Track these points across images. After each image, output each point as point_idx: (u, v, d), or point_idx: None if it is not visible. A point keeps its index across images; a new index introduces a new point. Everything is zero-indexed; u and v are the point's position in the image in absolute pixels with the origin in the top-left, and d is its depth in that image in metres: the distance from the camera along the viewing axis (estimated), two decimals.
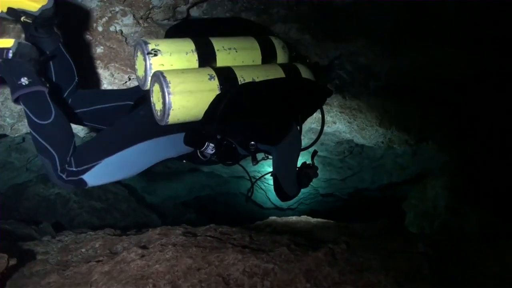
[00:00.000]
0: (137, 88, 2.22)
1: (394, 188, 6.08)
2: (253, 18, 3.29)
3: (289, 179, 2.52)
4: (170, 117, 1.89)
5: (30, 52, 1.93)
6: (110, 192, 5.60)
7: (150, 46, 1.94)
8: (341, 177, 6.02)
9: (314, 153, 2.74)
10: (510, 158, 4.48)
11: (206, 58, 2.04)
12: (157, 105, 1.95)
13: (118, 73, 3.07)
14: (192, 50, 2.02)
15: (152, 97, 1.97)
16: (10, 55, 1.89)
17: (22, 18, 1.94)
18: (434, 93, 4.25)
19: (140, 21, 3.03)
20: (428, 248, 2.28)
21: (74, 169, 1.95)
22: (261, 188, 7.19)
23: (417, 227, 4.78)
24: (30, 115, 1.91)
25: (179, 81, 1.87)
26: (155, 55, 1.94)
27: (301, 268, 1.88)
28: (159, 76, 1.87)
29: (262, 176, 2.90)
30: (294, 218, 3.42)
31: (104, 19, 2.91)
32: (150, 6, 2.94)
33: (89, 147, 2.06)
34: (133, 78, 3.15)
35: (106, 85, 3.14)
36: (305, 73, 2.23)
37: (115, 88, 3.14)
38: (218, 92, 1.94)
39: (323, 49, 3.61)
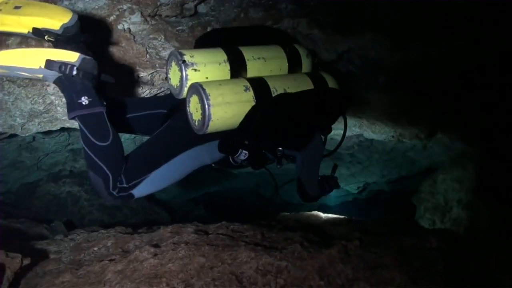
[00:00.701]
0: (168, 96, 2.33)
1: (404, 182, 6.05)
2: (261, 13, 3.26)
3: (312, 183, 2.66)
4: (209, 128, 1.99)
5: (92, 69, 1.93)
6: None
7: (186, 58, 2.03)
8: (351, 171, 5.99)
9: (335, 167, 2.92)
10: None
11: (237, 68, 2.15)
12: (195, 115, 2.05)
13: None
14: (224, 60, 2.12)
15: (189, 107, 2.08)
16: (75, 72, 1.88)
17: (46, 37, 1.94)
18: (445, 86, 4.20)
19: (148, 19, 3.01)
20: (442, 243, 2.26)
21: (125, 185, 2.02)
22: (271, 184, 7.17)
23: (428, 222, 4.74)
24: (88, 135, 1.92)
25: (218, 93, 1.98)
26: (194, 69, 2.04)
27: (314, 266, 1.87)
28: (198, 88, 1.97)
29: (287, 182, 3.05)
30: (305, 213, 3.41)
31: (112, 18, 2.90)
32: (158, 3, 2.92)
33: (137, 162, 2.10)
34: (141, 76, 3.14)
35: None
36: (330, 82, 2.37)
37: None
38: (253, 103, 2.06)
39: (332, 43, 3.57)
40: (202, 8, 3.28)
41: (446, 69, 3.88)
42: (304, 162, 2.60)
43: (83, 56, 1.91)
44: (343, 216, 3.36)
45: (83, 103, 1.90)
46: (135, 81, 3.18)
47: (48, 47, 2.47)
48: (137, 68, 3.07)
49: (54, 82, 1.94)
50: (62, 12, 1.97)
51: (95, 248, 2.72)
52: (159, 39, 3.06)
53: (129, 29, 2.94)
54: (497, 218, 4.01)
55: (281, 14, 3.27)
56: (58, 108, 3.27)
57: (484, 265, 2.22)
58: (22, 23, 1.92)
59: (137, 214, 5.60)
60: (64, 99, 3.07)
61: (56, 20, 1.91)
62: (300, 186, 2.67)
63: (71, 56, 1.88)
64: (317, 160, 2.66)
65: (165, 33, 3.08)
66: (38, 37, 1.95)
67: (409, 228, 2.39)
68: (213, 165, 2.41)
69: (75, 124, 3.59)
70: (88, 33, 2.15)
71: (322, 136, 2.59)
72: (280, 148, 2.33)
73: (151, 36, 3.04)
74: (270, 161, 2.42)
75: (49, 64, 1.83)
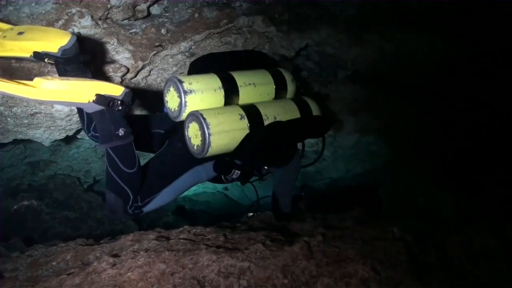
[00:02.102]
0: (164, 117, 2.54)
1: (369, 176, 6.12)
2: (215, 13, 3.23)
3: (286, 197, 3.01)
4: (208, 153, 2.22)
5: (130, 101, 2.05)
6: (83, 201, 5.43)
7: (185, 85, 2.24)
8: (316, 168, 6.01)
9: (303, 186, 3.55)
10: (484, 141, 4.55)
11: (231, 94, 2.39)
12: (194, 140, 2.27)
13: None
14: (219, 87, 2.34)
15: (188, 132, 2.30)
16: (120, 107, 1.99)
17: (46, 60, 2.01)
18: (402, 79, 4.28)
19: (99, 22, 2.93)
20: (404, 233, 2.28)
21: (140, 204, 2.26)
22: (238, 185, 7.14)
23: (394, 214, 4.81)
24: (118, 163, 2.11)
25: (217, 122, 2.20)
26: (192, 97, 2.24)
27: (277, 264, 1.84)
28: (199, 117, 2.19)
29: (265, 197, 3.36)
30: (270, 213, 3.38)
31: (60, 22, 2.80)
32: (109, 6, 2.84)
33: (149, 183, 2.32)
34: None
35: None
36: (314, 109, 2.66)
37: None
38: (247, 130, 2.31)
39: (289, 40, 3.58)
40: (155, 10, 3.22)
41: (402, 62, 3.95)
42: (283, 176, 2.95)
43: (126, 90, 2.02)
44: (308, 213, 3.34)
45: (120, 134, 2.06)
46: None
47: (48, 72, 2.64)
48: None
49: (93, 113, 2.01)
50: (60, 35, 2.04)
51: (54, 263, 2.60)
52: (112, 43, 2.97)
53: (79, 34, 2.84)
54: (460, 206, 4.11)
55: (236, 12, 3.25)
56: (9, 119, 3.13)
57: (446, 252, 2.25)
58: (23, 48, 2.01)
59: (103, 224, 5.43)
60: (15, 109, 2.96)
61: (54, 43, 1.99)
62: (274, 200, 3.01)
63: (117, 90, 1.99)
64: (295, 175, 3.01)
65: (118, 37, 3.00)
66: (39, 60, 2.03)
67: (373, 220, 2.39)
68: (208, 181, 2.67)
69: (28, 135, 3.46)
70: (89, 54, 2.25)
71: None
72: (265, 167, 2.65)
73: (103, 40, 2.95)
74: (255, 177, 2.72)
75: (99, 99, 1.92)
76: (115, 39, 2.97)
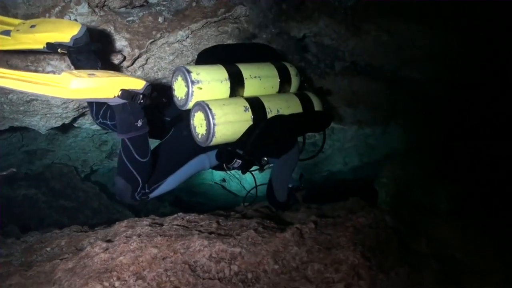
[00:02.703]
0: (170, 104, 2.63)
1: (367, 168, 6.12)
2: (213, 2, 3.22)
3: (282, 186, 3.12)
4: (212, 143, 2.30)
5: (150, 94, 2.14)
6: (80, 190, 5.45)
7: (193, 76, 2.31)
8: (314, 160, 6.00)
9: (301, 176, 3.56)
10: (481, 134, 4.56)
11: (236, 86, 2.47)
12: (199, 129, 2.35)
13: None
14: (225, 78, 2.42)
15: (193, 120, 2.38)
16: (142, 101, 2.10)
17: (59, 50, 2.11)
18: (400, 71, 4.26)
19: (96, 10, 2.92)
20: (397, 222, 2.29)
21: (147, 190, 2.42)
22: (236, 177, 7.16)
23: (390, 206, 4.82)
24: (133, 152, 2.22)
25: (222, 113, 2.27)
26: (199, 87, 2.32)
27: (268, 250, 1.85)
28: (205, 107, 2.26)
29: (262, 184, 3.41)
30: (265, 203, 3.39)
31: (57, 9, 2.79)
32: None
33: (156, 171, 2.46)
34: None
35: None
36: (316, 104, 2.75)
37: None
38: (251, 122, 2.39)
39: (287, 30, 3.56)
40: None
41: (400, 53, 3.94)
42: (280, 166, 3.06)
43: (147, 83, 2.11)
44: (304, 203, 3.35)
45: (138, 125, 2.17)
46: None
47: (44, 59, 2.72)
48: None
49: (115, 106, 2.12)
50: (71, 25, 2.14)
51: (48, 249, 2.62)
52: (109, 31, 2.97)
53: (76, 21, 2.83)
54: (454, 198, 4.12)
55: (234, 1, 3.23)
56: (5, 106, 3.14)
57: (438, 241, 2.26)
58: (37, 40, 2.10)
59: (99, 214, 5.46)
60: (11, 96, 2.96)
61: (66, 33, 2.09)
62: (270, 188, 3.12)
63: (138, 84, 2.08)
64: (292, 165, 3.11)
65: (115, 24, 3.00)
66: (52, 51, 2.13)
67: (366, 209, 2.40)
68: (210, 169, 2.81)
69: (24, 122, 3.46)
70: (99, 43, 2.31)
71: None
72: (265, 158, 2.76)
73: (100, 27, 2.94)
74: (255, 167, 2.81)
75: (124, 94, 2.02)
76: (112, 27, 2.96)
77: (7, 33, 2.17)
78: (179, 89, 2.41)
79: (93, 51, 2.25)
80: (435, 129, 4.95)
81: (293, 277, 1.72)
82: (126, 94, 2.03)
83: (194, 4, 3.23)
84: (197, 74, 2.33)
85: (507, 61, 3.87)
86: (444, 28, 3.66)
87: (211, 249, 1.84)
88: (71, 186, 5.43)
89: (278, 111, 2.53)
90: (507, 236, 2.30)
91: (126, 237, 2.10)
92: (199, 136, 2.35)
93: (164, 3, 3.23)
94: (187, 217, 2.39)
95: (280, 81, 2.68)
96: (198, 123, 2.34)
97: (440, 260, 2.05)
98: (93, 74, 1.96)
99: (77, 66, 2.22)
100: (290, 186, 3.32)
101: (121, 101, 2.07)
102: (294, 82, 2.79)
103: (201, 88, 2.32)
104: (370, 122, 4.68)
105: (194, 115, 2.36)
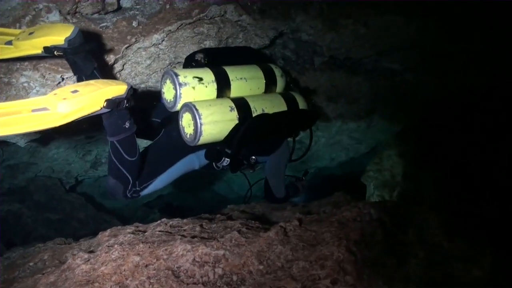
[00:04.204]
0: (160, 106, 2.72)
1: (353, 163, 6.13)
2: (186, 3, 3.18)
3: (278, 183, 3.19)
4: (199, 142, 2.37)
5: (132, 95, 2.19)
6: (66, 202, 5.36)
7: (180, 78, 2.40)
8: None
9: (306, 173, 3.73)
10: (466, 123, 4.59)
11: (223, 87, 2.55)
12: (187, 129, 2.43)
13: (49, 73, 2.92)
14: (212, 80, 2.50)
15: (182, 121, 2.46)
16: (127, 105, 2.15)
17: (56, 53, 2.19)
18: (379, 64, 4.27)
19: (68, 17, 2.87)
20: (382, 214, 2.27)
21: (138, 188, 2.52)
22: (224, 180, 7.12)
23: (378, 198, 4.83)
24: (122, 152, 2.29)
25: (209, 113, 2.35)
26: (187, 89, 2.40)
27: (252, 251, 1.82)
28: (192, 108, 2.34)
29: (257, 181, 3.57)
30: (252, 204, 3.37)
31: (27, 18, 2.74)
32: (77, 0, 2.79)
33: (147, 169, 2.57)
34: (66, 78, 2.99)
35: (38, 87, 2.97)
36: (301, 102, 2.84)
37: (48, 89, 2.98)
38: (236, 121, 2.46)
39: (263, 29, 3.54)
40: (126, 3, 3.16)
41: (378, 46, 3.94)
42: (272, 164, 3.14)
43: (128, 86, 2.16)
44: (290, 202, 3.33)
45: (126, 126, 2.23)
46: (60, 83, 3.02)
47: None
48: (60, 69, 2.92)
49: (103, 114, 2.15)
50: (64, 28, 2.22)
51: (31, 264, 2.55)
52: None
53: None
54: (440, 186, 4.14)
55: (207, 1, 3.20)
56: None
57: (424, 230, 2.25)
58: (34, 45, 2.20)
59: (87, 225, 5.37)
60: None
61: (59, 36, 2.16)
62: (267, 186, 3.20)
63: (120, 90, 2.12)
64: (284, 163, 3.18)
65: (88, 31, 2.94)
66: (49, 54, 2.20)
67: (351, 203, 2.38)
68: (200, 169, 2.88)
69: (2, 136, 3.38)
70: (94, 42, 2.44)
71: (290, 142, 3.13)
72: (253, 157, 2.80)
73: None
74: (245, 165, 2.83)
75: (109, 103, 2.06)
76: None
77: (9, 43, 2.29)
78: (168, 92, 2.50)
79: (89, 51, 2.30)
80: (417, 117, 4.97)
81: (279, 277, 1.70)
82: (111, 103, 2.07)
83: (167, 6, 3.20)
84: (185, 77, 2.41)
85: (485, 45, 3.89)
86: (422, 15, 3.67)
87: (194, 253, 1.80)
88: (56, 198, 5.34)
89: (263, 110, 2.59)
90: (493, 221, 2.30)
91: (108, 246, 2.06)
92: (188, 136, 2.43)
93: (137, 7, 3.18)
94: (170, 223, 2.35)
95: (266, 82, 2.76)
96: (186, 123, 2.42)
97: (427, 249, 2.04)
98: (76, 91, 1.98)
99: (75, 68, 2.31)
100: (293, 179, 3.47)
101: (108, 109, 2.11)
102: (280, 83, 2.85)
103: (188, 90, 2.40)
104: (353, 116, 4.68)
105: (182, 116, 2.44)
